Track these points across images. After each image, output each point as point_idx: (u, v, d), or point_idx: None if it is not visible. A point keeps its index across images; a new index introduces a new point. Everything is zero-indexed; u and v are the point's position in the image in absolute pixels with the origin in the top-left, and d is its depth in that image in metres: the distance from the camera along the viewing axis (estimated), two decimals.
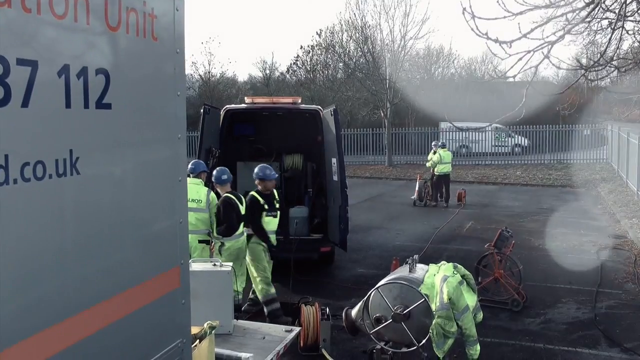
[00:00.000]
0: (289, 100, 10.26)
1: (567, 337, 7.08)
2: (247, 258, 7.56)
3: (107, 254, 2.61)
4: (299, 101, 10.16)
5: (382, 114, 28.78)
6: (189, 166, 7.46)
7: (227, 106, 10.12)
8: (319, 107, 10.02)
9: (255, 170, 7.60)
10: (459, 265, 5.55)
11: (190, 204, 7.20)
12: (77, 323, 2.44)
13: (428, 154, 18.58)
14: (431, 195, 17.40)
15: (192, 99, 34.84)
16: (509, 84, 50.52)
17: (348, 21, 30.65)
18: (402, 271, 5.79)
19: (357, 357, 6.47)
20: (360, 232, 13.02)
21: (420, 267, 5.74)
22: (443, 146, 17.63)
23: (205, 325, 4.02)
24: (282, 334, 5.11)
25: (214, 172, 7.59)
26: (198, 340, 3.90)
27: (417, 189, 17.41)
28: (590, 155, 27.66)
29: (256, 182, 7.57)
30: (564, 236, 12.61)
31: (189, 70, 42.58)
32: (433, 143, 18.56)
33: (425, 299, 5.18)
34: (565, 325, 7.52)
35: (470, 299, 5.39)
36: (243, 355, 4.48)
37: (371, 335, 5.50)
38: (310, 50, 35.24)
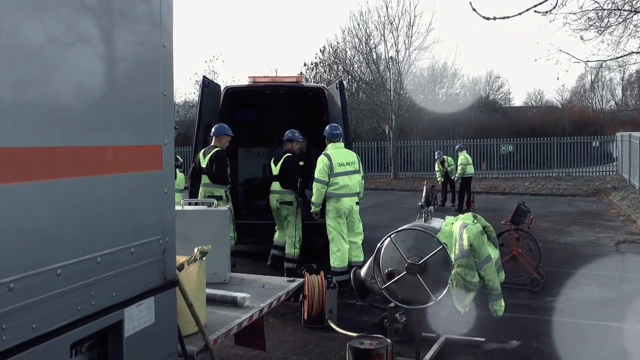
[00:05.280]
0: (293, 79, 9.84)
1: (593, 313, 6.51)
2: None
3: (67, 95, 2.16)
4: (303, 80, 9.74)
5: (387, 127, 28.36)
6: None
7: (228, 85, 9.70)
8: (324, 86, 9.59)
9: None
10: (479, 216, 5.04)
11: (346, 167, 7.66)
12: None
13: (434, 170, 18.23)
14: (442, 199, 17.23)
15: (195, 117, 34.52)
16: (513, 108, 50.63)
17: (352, 32, 30.41)
18: (417, 221, 5.28)
19: (367, 331, 5.87)
20: (367, 229, 12.27)
21: (436, 220, 5.24)
22: (461, 149, 17.27)
23: (195, 250, 3.53)
24: (283, 283, 4.60)
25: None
26: (186, 264, 3.41)
27: (424, 194, 16.94)
28: (599, 167, 27.19)
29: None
30: (579, 232, 12.08)
31: (191, 89, 42.48)
32: (437, 153, 18.17)
33: (443, 247, 4.65)
34: (590, 303, 6.97)
35: (493, 252, 4.86)
36: (239, 295, 3.98)
37: (383, 292, 4.94)
38: (314, 68, 35.00)
